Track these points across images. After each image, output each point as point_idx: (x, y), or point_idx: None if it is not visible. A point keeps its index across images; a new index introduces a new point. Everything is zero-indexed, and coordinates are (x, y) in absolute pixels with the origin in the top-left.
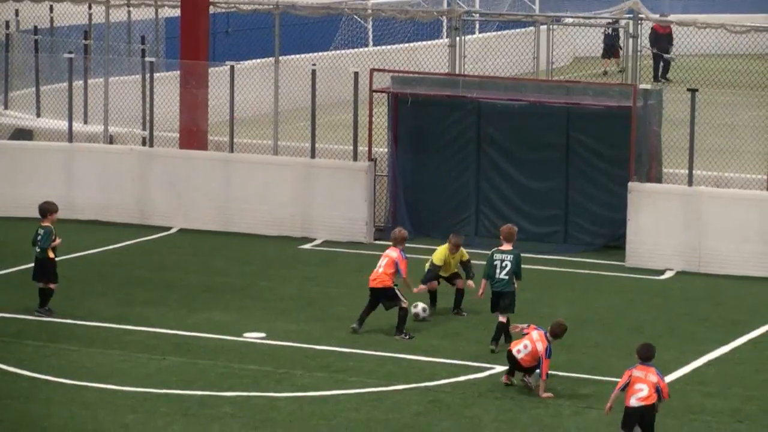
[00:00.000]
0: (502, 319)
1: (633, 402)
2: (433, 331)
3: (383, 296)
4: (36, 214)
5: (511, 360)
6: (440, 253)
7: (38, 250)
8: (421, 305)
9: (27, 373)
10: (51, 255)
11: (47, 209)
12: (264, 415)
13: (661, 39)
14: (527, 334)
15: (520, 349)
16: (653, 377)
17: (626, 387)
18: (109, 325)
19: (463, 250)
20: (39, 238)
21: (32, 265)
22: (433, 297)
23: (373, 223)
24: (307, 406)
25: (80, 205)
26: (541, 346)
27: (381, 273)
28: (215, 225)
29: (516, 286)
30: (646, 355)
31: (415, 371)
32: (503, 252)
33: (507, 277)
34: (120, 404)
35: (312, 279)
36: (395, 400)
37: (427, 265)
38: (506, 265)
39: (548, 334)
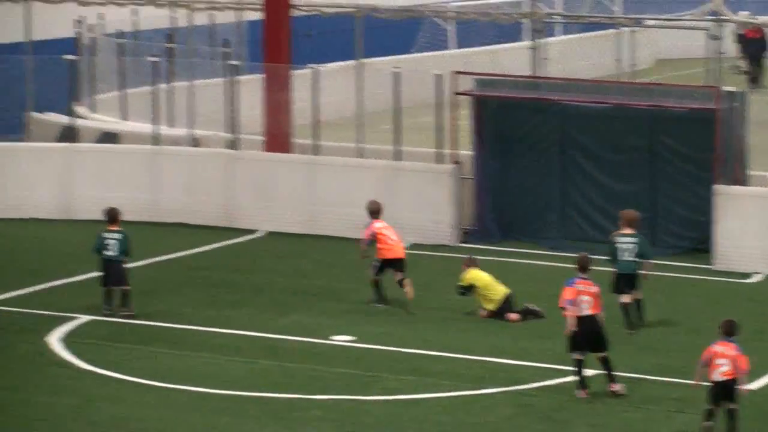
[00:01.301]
0: (626, 300)
1: (716, 377)
2: (521, 333)
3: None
4: (126, 217)
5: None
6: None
7: (114, 254)
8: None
9: (118, 376)
10: (126, 261)
11: (118, 214)
12: (354, 418)
13: (751, 44)
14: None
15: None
16: (732, 352)
17: (708, 363)
18: (198, 327)
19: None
20: (117, 244)
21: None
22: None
23: (458, 225)
24: (397, 409)
25: (166, 208)
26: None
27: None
28: (301, 228)
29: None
30: (728, 331)
31: (505, 374)
32: (626, 236)
33: (632, 259)
34: (211, 407)
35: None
36: (485, 403)
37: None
38: (631, 248)
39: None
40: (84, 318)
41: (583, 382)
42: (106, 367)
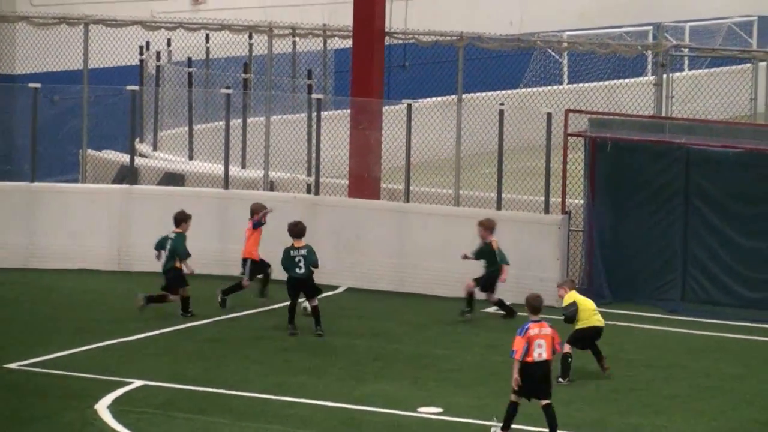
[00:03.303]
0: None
1: None
2: (632, 407)
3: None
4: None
5: None
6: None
7: (167, 255)
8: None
9: None
10: (178, 264)
11: (183, 218)
12: None
13: None
14: None
15: None
16: None
17: None
18: (266, 396)
19: None
20: (170, 242)
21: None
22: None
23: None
24: None
25: (236, 258)
26: None
27: None
28: (388, 284)
29: None
30: None
31: None
32: None
33: None
34: None
35: (495, 347)
36: None
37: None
38: None
39: None
40: (138, 383)
41: (509, 423)
42: None
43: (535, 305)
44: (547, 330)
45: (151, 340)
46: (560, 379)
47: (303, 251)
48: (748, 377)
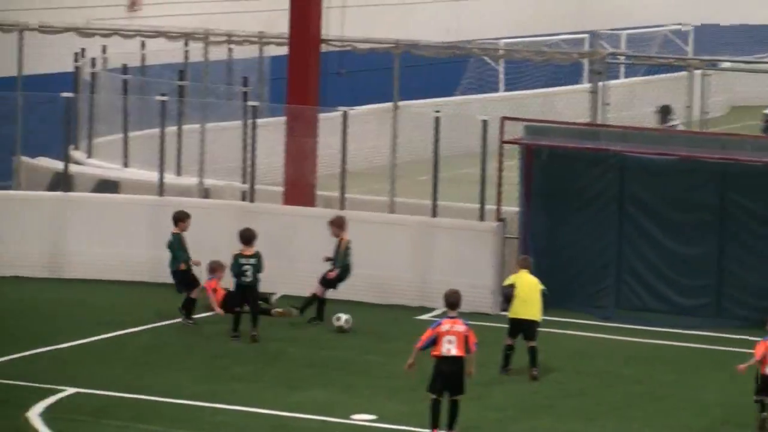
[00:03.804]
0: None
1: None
2: (566, 414)
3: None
4: (123, 277)
5: None
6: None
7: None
8: (344, 317)
9: None
10: (183, 267)
11: (179, 217)
12: None
13: None
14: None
15: None
16: None
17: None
18: (198, 403)
19: None
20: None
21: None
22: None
23: (500, 291)
24: None
25: (167, 267)
26: None
27: None
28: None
29: None
30: None
31: None
32: None
33: None
34: None
35: (427, 354)
36: None
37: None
38: None
39: None
40: (70, 390)
41: (435, 422)
42: None
43: (451, 301)
44: (461, 327)
45: (83, 348)
46: (501, 371)
47: (252, 260)
48: (681, 384)
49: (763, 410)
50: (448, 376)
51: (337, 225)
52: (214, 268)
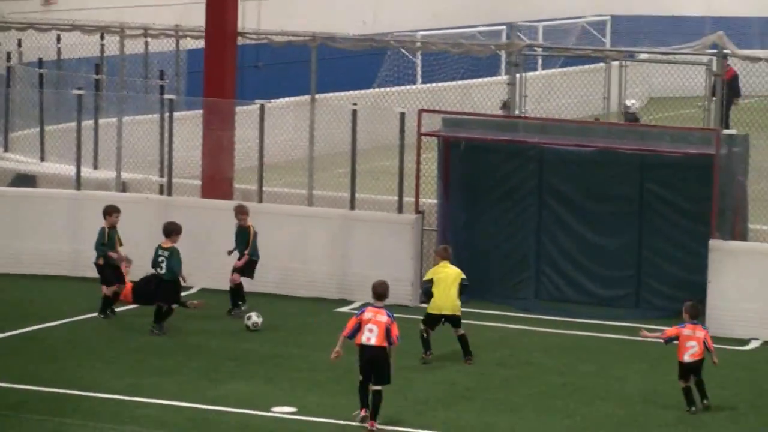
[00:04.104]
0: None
1: (686, 358)
2: (487, 406)
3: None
4: (41, 271)
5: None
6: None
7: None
8: (254, 316)
9: None
10: (100, 261)
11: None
12: None
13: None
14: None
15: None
16: (701, 333)
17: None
18: (118, 397)
19: None
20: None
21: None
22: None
23: (419, 283)
24: None
25: (88, 260)
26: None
27: None
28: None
29: None
30: (694, 314)
31: None
32: None
33: None
34: None
35: (350, 347)
36: None
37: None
38: None
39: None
40: None
41: (362, 402)
42: None
43: (379, 291)
44: (383, 318)
45: (2, 342)
46: (423, 355)
47: (166, 252)
48: (602, 374)
49: (691, 397)
50: (369, 364)
51: (246, 212)
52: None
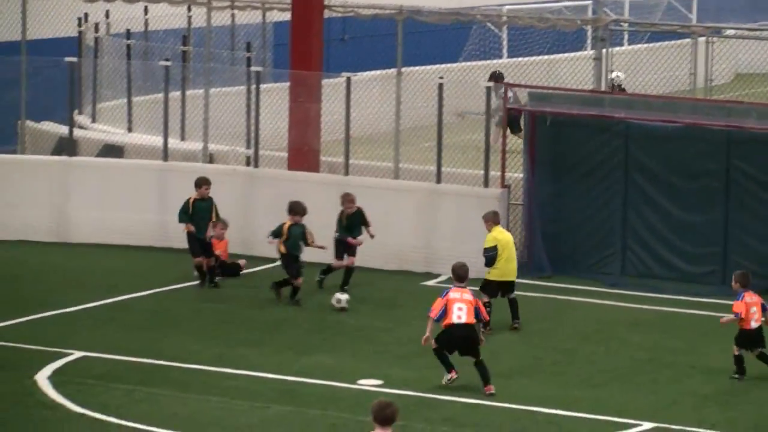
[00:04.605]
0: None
1: (753, 324)
2: (570, 381)
3: None
4: (128, 242)
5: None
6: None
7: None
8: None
9: (113, 420)
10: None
11: (196, 183)
12: None
13: None
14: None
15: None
16: (757, 299)
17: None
18: (206, 367)
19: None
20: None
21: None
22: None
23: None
24: None
25: (174, 231)
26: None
27: None
28: (327, 256)
29: None
30: (745, 282)
31: (551, 427)
32: None
33: None
34: None
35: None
36: None
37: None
38: None
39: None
40: (77, 354)
41: (447, 364)
42: (101, 411)
43: (459, 273)
44: (469, 296)
45: (91, 312)
46: (482, 329)
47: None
48: (687, 350)
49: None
50: (462, 342)
51: (353, 200)
52: (214, 224)
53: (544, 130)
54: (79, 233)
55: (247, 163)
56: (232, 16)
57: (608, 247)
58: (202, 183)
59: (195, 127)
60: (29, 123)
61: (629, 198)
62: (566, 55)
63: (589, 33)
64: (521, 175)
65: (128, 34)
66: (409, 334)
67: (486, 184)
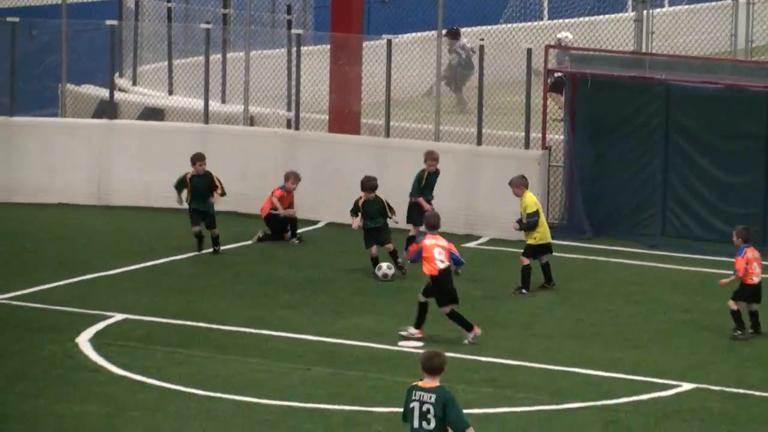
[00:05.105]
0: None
1: (755, 279)
2: (613, 341)
3: None
4: (169, 204)
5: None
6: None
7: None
8: (385, 264)
9: (155, 383)
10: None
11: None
12: None
13: None
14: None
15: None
16: (758, 254)
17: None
18: (246, 329)
19: None
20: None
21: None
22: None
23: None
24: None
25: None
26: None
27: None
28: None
29: None
30: (746, 237)
31: (590, 388)
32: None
33: None
34: (258, 419)
35: (476, 282)
36: (568, 420)
37: None
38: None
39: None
40: (118, 316)
41: (466, 324)
42: (142, 373)
43: (434, 222)
44: (444, 242)
45: (131, 274)
46: (523, 290)
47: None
48: (726, 312)
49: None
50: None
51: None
52: (287, 176)
53: (585, 92)
54: (120, 196)
55: (288, 126)
56: None
57: (648, 209)
58: (196, 160)
59: (236, 90)
60: (70, 86)
61: (669, 159)
62: (606, 16)
63: None
64: (562, 137)
65: None
66: None
67: (527, 145)
